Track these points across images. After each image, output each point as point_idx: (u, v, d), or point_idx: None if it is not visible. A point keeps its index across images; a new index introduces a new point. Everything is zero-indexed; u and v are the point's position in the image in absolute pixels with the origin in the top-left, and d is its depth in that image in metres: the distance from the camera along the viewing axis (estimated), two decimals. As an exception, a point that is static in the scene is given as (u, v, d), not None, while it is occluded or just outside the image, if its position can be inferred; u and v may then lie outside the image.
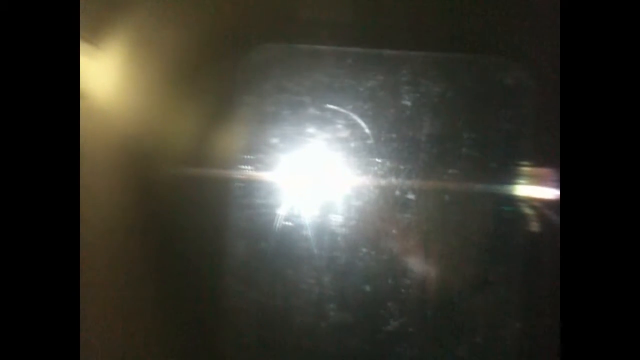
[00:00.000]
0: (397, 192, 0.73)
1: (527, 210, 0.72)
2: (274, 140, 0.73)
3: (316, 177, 0.74)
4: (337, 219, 0.73)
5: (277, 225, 0.73)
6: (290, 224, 0.73)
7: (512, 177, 0.72)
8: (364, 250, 0.73)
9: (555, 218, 0.69)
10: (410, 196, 0.73)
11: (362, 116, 0.73)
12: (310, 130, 0.73)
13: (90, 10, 0.47)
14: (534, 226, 0.71)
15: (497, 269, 0.73)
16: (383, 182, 0.73)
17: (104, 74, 0.60)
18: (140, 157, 0.68)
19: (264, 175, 0.74)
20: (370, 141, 0.73)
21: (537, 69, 0.70)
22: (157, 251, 0.69)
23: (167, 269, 0.70)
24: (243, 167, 0.73)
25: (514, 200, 0.72)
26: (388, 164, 0.73)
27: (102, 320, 0.59)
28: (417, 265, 0.74)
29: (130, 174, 0.68)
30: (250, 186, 0.74)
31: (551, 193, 0.70)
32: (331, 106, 0.73)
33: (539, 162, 0.71)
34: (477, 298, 0.73)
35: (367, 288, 0.74)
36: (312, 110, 0.73)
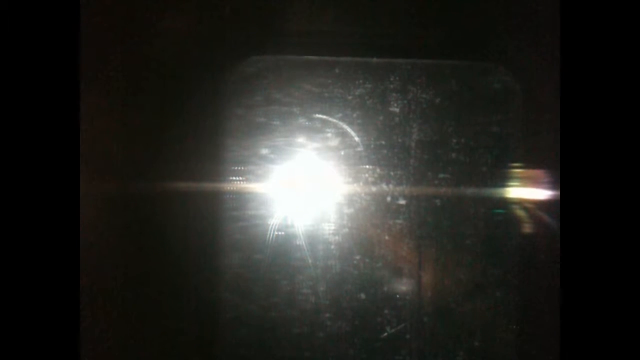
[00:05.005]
0: (389, 199, 0.73)
1: (523, 213, 0.73)
2: (265, 151, 0.74)
3: (307, 186, 0.74)
4: (330, 228, 0.73)
5: (271, 236, 0.73)
6: (283, 234, 0.73)
7: (506, 180, 0.74)
8: (358, 257, 0.73)
9: (553, 219, 0.70)
10: (402, 202, 0.73)
11: (351, 124, 0.74)
12: (301, 140, 0.74)
13: (87, 19, 0.47)
14: (531, 228, 0.73)
15: (494, 271, 0.73)
16: (374, 189, 0.73)
17: (96, 83, 0.60)
18: (133, 169, 0.68)
19: (255, 187, 0.74)
20: (360, 149, 0.74)
21: (529, 73, 0.72)
22: (152, 264, 0.68)
23: (163, 282, 0.69)
24: (234, 179, 0.73)
25: (509, 203, 0.73)
26: (379, 170, 0.73)
27: (101, 329, 0.58)
28: (412, 271, 0.74)
29: (123, 186, 0.67)
30: (242, 198, 0.74)
31: (547, 195, 0.72)
32: (320, 115, 0.74)
33: (533, 164, 0.72)
34: (474, 302, 0.74)
35: (363, 296, 0.73)
36: (301, 120, 0.74)
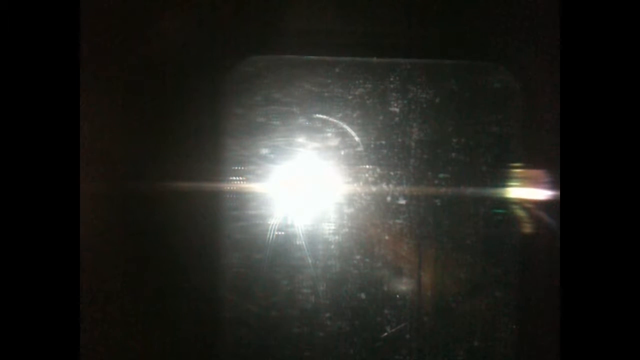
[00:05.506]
0: (389, 198, 0.73)
1: (523, 213, 0.73)
2: (265, 151, 0.74)
3: (307, 186, 0.74)
4: (330, 228, 0.73)
5: (271, 235, 0.73)
6: (283, 234, 0.73)
7: (505, 180, 0.74)
8: (358, 257, 0.73)
9: (553, 219, 0.70)
10: (402, 202, 0.73)
11: (351, 124, 0.74)
12: (301, 139, 0.74)
13: (86, 19, 0.47)
14: (531, 228, 0.73)
15: (494, 271, 0.73)
16: (374, 188, 0.73)
17: (96, 83, 0.60)
18: (133, 169, 0.68)
19: (255, 187, 0.74)
20: (360, 149, 0.74)
21: (529, 73, 0.72)
22: (152, 264, 0.68)
23: (163, 281, 0.69)
24: (234, 178, 0.73)
25: (508, 203, 0.73)
26: (379, 170, 0.73)
27: (101, 329, 0.58)
28: (412, 270, 0.74)
29: (123, 186, 0.67)
30: (243, 197, 0.74)
31: (547, 194, 0.72)
32: (320, 115, 0.74)
33: (533, 164, 0.72)
34: (474, 301, 0.74)
35: (363, 295, 0.73)
36: (301, 120, 0.74)
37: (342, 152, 0.74)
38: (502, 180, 0.74)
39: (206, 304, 0.72)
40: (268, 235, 0.73)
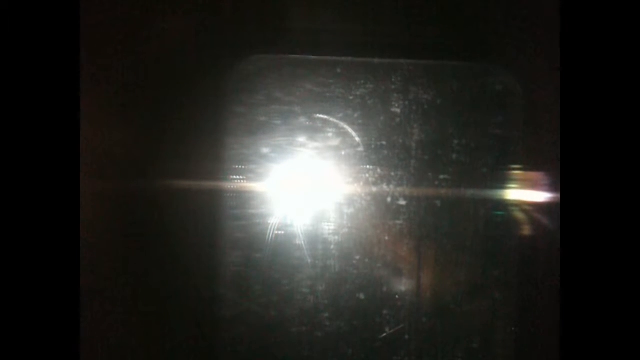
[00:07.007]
0: (389, 199, 0.73)
1: (522, 215, 0.73)
2: (266, 150, 0.74)
3: (308, 186, 0.74)
4: (329, 228, 0.73)
5: (270, 235, 0.73)
6: (283, 233, 0.73)
7: (505, 182, 0.74)
8: (358, 258, 0.73)
9: (552, 221, 0.70)
10: (402, 202, 0.73)
11: (352, 124, 0.74)
12: (302, 139, 0.74)
13: (86, 19, 0.47)
14: (531, 229, 0.73)
15: (494, 273, 0.73)
16: (375, 189, 0.73)
17: (97, 83, 0.60)
18: (134, 168, 0.68)
19: (256, 186, 0.74)
20: (361, 149, 0.74)
21: (531, 74, 0.72)
22: (152, 264, 0.68)
23: (162, 280, 0.69)
24: (235, 177, 0.74)
25: (508, 205, 0.73)
26: (379, 171, 0.73)
27: (101, 329, 0.58)
28: (411, 272, 0.74)
29: (123, 185, 0.67)
30: (243, 196, 0.74)
31: (547, 197, 0.72)
32: (322, 115, 0.74)
33: (534, 166, 0.72)
34: (474, 303, 0.74)
35: (362, 296, 0.73)
36: (302, 120, 0.74)
37: (343, 153, 0.74)
38: (503, 181, 0.74)
39: (205, 302, 0.72)
40: (268, 235, 0.73)
